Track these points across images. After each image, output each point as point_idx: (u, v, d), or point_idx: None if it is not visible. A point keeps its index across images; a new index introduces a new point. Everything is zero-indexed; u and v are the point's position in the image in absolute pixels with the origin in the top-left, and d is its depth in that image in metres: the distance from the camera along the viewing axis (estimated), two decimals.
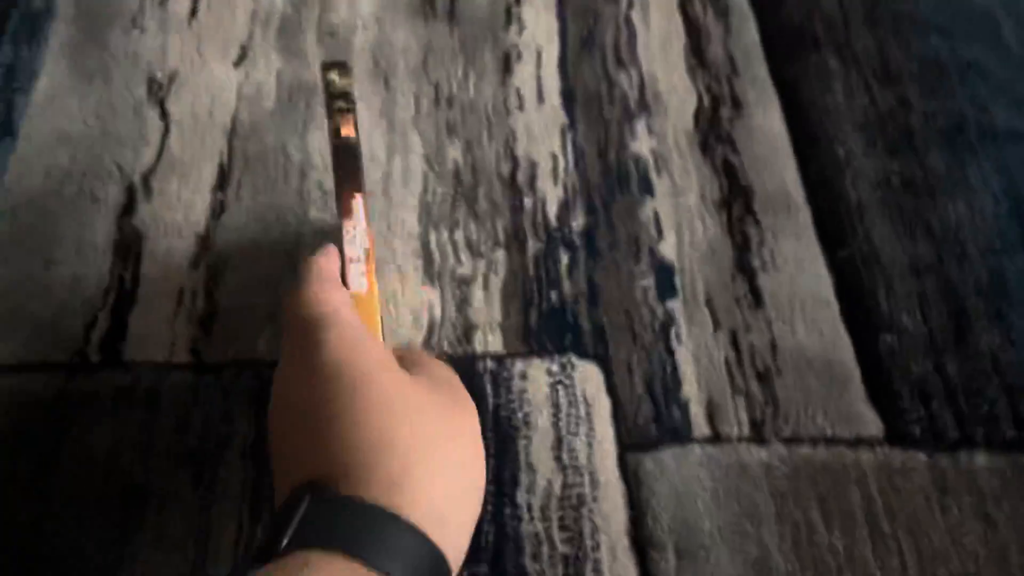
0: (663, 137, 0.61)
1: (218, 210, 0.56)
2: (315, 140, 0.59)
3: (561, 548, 0.45)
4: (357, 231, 0.44)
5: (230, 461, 0.47)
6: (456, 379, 0.40)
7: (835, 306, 0.55)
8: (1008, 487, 0.49)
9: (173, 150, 0.58)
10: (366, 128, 0.59)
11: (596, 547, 0.45)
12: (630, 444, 0.49)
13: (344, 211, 0.45)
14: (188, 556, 0.44)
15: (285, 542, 0.28)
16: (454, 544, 0.32)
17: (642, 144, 0.61)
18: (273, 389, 0.37)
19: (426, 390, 0.36)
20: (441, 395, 0.37)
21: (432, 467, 0.32)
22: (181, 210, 0.56)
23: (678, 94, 0.64)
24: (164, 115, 0.59)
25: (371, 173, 0.58)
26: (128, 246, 0.54)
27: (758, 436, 0.50)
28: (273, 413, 0.36)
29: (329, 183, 0.56)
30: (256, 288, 0.53)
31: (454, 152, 0.60)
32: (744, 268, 0.56)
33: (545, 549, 0.45)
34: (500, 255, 0.55)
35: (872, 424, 0.51)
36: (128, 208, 0.55)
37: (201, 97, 0.60)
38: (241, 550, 0.44)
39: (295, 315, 0.37)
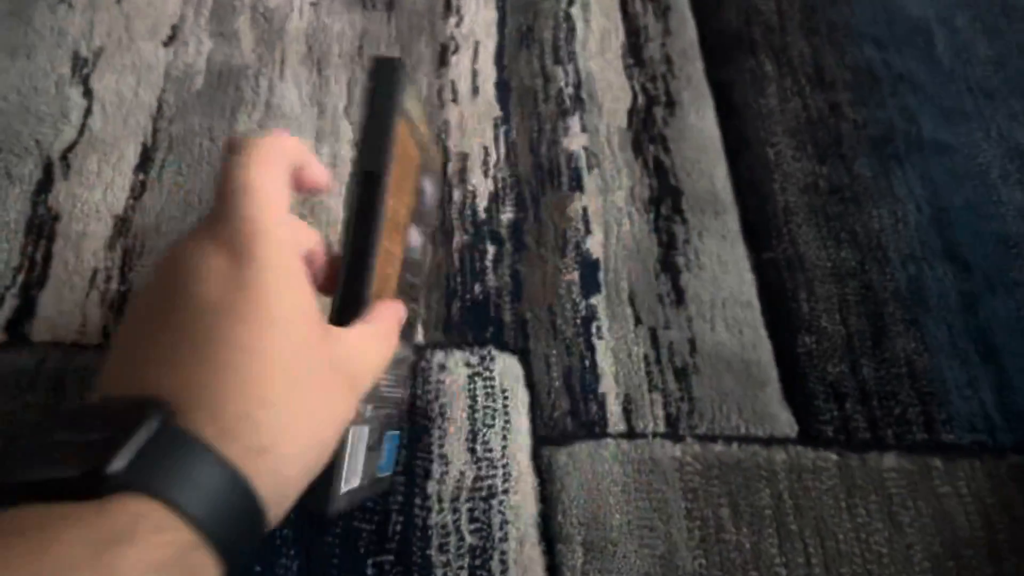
0: (596, 134, 0.62)
1: (138, 191, 0.55)
2: (241, 124, 0.58)
3: (469, 539, 0.45)
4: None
5: None
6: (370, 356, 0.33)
7: (757, 307, 0.55)
8: (915, 489, 0.49)
9: (95, 129, 0.57)
10: (305, 117, 0.59)
11: (504, 538, 0.45)
12: (545, 437, 0.49)
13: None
14: None
15: (117, 468, 0.22)
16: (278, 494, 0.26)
17: (574, 140, 0.61)
18: (164, 261, 0.30)
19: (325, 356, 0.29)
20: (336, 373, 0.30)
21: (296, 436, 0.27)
22: (100, 190, 0.54)
23: (613, 92, 0.64)
24: (87, 93, 0.58)
25: None
26: (42, 225, 0.52)
27: (673, 432, 0.50)
28: (149, 290, 0.29)
29: None
30: None
31: None
32: (668, 266, 0.56)
33: (452, 540, 0.45)
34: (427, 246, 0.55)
35: (786, 424, 0.51)
36: (44, 186, 0.54)
37: (127, 76, 0.59)
38: None
39: (232, 196, 0.29)
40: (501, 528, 0.45)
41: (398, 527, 0.45)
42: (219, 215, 0.30)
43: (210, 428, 0.24)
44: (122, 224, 0.53)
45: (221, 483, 0.24)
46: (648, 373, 0.52)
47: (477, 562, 0.44)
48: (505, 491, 0.47)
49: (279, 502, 0.26)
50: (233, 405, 0.25)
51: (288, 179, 0.32)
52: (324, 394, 0.28)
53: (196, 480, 0.23)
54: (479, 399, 0.50)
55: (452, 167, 0.59)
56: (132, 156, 0.56)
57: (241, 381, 0.26)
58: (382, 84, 0.37)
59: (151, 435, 0.23)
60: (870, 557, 0.47)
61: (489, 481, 0.47)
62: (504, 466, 0.47)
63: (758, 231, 0.59)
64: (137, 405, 0.24)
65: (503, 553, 0.45)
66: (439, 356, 0.51)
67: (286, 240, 0.29)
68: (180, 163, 0.56)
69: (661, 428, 0.50)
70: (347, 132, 0.59)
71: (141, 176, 0.55)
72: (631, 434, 0.50)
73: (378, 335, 0.33)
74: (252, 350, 0.26)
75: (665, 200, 0.59)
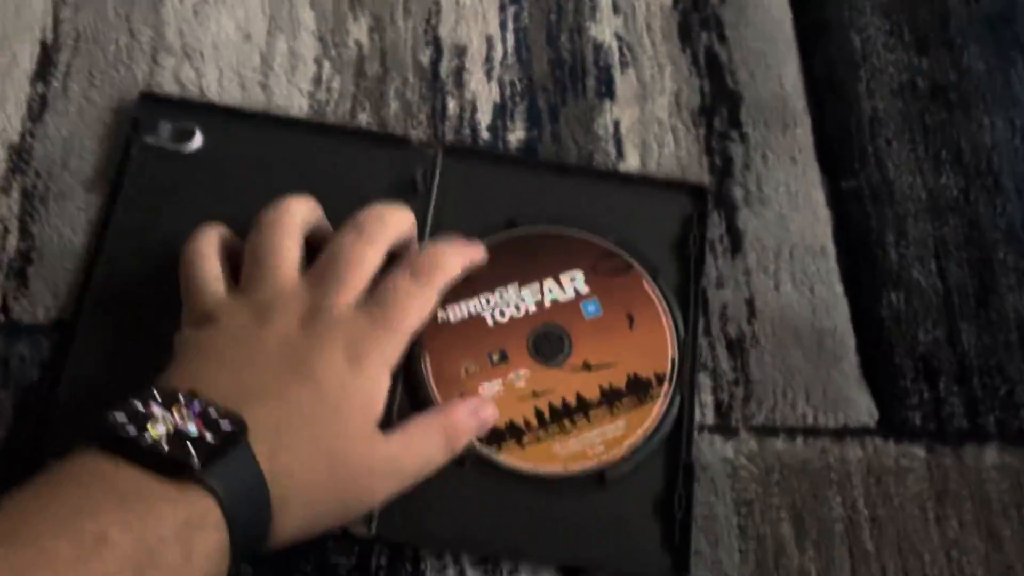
0: (632, 17, 0.48)
1: (38, 109, 0.42)
2: (171, 13, 0.45)
3: (471, 574, 0.36)
4: None
5: None
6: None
7: (832, 255, 0.44)
8: (1020, 493, 0.40)
9: None
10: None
11: (515, 570, 0.37)
12: None
13: None
14: None
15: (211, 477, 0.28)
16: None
17: (604, 27, 0.47)
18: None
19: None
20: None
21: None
22: None
23: None
24: None
25: (246, 57, 0.44)
26: None
27: (724, 425, 0.40)
28: None
29: (190, 76, 0.42)
30: (90, 224, 0.40)
31: (358, 31, 0.46)
32: (723, 201, 0.44)
33: (451, 573, 0.36)
34: None
35: (864, 410, 0.41)
36: None
37: None
38: None
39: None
40: (510, 558, 0.37)
41: (383, 560, 0.36)
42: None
43: (264, 458, 0.30)
44: (18, 156, 0.41)
45: (257, 491, 0.30)
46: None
47: None
48: None
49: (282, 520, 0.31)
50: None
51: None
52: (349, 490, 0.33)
53: (244, 494, 0.29)
54: None
55: (445, 66, 0.46)
56: (27, 60, 0.43)
57: (297, 430, 0.31)
58: None
59: (237, 458, 0.29)
60: None
61: None
62: None
63: (837, 150, 0.46)
64: (238, 427, 0.29)
65: None
66: None
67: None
68: (91, 68, 0.43)
69: (710, 420, 0.40)
70: (309, 20, 0.45)
71: (40, 87, 0.43)
72: None
73: (423, 447, 0.35)
74: (315, 419, 0.32)
75: (719, 110, 0.46)
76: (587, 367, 0.39)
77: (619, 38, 0.47)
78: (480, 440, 0.37)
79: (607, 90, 0.46)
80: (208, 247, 0.36)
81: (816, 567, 0.38)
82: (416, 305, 0.35)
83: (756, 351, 0.42)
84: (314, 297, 0.34)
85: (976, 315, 0.43)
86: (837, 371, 0.42)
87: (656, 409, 0.38)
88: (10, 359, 0.38)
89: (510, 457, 0.37)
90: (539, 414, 0.38)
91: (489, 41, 0.46)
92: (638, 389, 0.39)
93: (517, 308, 0.40)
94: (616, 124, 0.45)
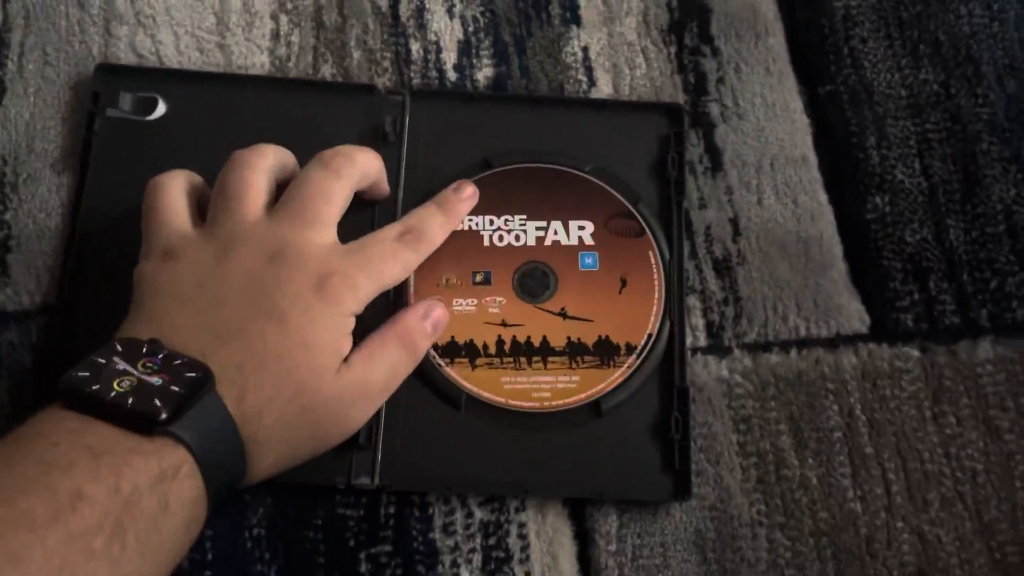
0: None
1: None
2: None
3: (479, 514, 0.37)
4: None
5: None
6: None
7: (814, 162, 0.43)
8: (1017, 383, 0.40)
9: None
10: None
11: (521, 508, 0.37)
12: None
13: None
14: None
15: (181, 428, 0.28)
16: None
17: None
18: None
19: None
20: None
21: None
22: None
23: None
24: None
25: (199, 16, 0.43)
26: None
27: (717, 345, 0.40)
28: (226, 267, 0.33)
29: (147, 44, 0.42)
30: (64, 205, 0.40)
31: None
32: (699, 119, 0.44)
33: (459, 517, 0.37)
34: None
35: (855, 316, 0.41)
36: None
37: None
38: None
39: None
40: (517, 496, 0.37)
41: (391, 509, 0.37)
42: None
43: (232, 401, 0.30)
44: None
45: (228, 437, 0.30)
46: None
47: (491, 541, 0.37)
48: None
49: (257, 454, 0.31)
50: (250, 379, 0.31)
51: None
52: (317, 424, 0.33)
53: (216, 441, 0.29)
54: None
55: (404, 8, 0.44)
56: None
57: (263, 368, 0.31)
58: None
59: (205, 406, 0.29)
60: (962, 476, 0.39)
61: None
62: None
63: (811, 56, 0.45)
64: (203, 375, 0.29)
65: (522, 526, 0.37)
66: None
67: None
68: (44, 45, 0.42)
69: (702, 342, 0.40)
70: None
71: None
72: None
73: (385, 362, 0.35)
74: (281, 356, 0.31)
75: (689, 25, 0.45)
76: (563, 315, 0.39)
77: None
78: (435, 350, 0.38)
79: (572, 16, 0.45)
80: (173, 181, 0.35)
81: (817, 475, 0.39)
82: (400, 265, 0.35)
83: (743, 269, 0.41)
84: (282, 231, 0.33)
85: (962, 210, 0.43)
86: (826, 280, 0.42)
87: (615, 376, 0.38)
88: (0, 347, 0.38)
89: (458, 375, 0.38)
90: (500, 343, 0.38)
91: None
92: (604, 352, 0.38)
93: (517, 238, 0.40)
94: (585, 50, 0.44)
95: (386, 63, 0.43)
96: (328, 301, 0.32)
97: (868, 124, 0.44)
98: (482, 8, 0.45)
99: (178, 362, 0.29)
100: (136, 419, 0.28)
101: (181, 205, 0.35)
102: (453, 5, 0.45)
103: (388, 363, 0.35)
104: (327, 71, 0.43)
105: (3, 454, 0.27)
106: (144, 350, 0.30)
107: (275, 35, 0.43)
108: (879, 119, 0.44)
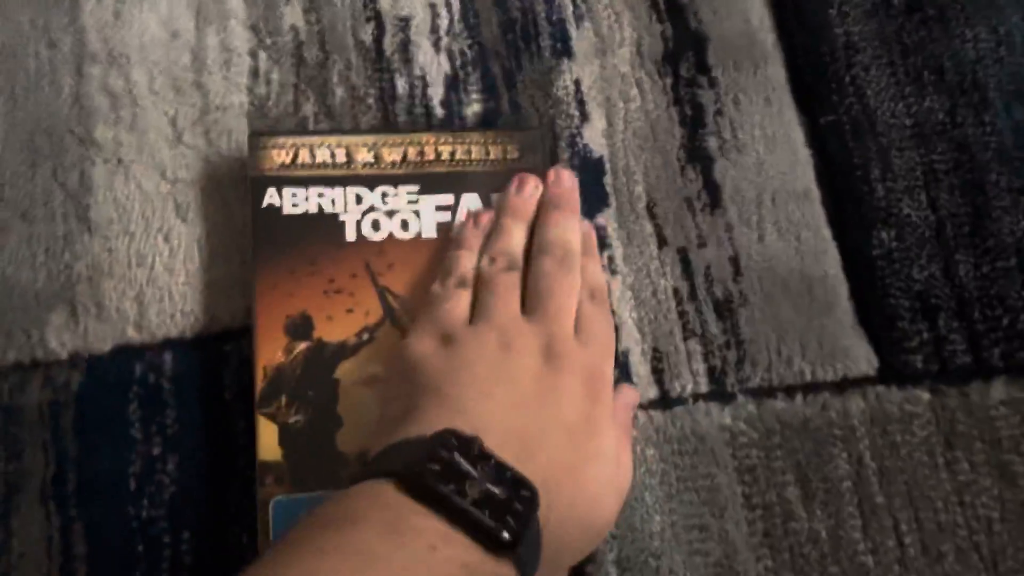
0: None
1: None
2: (91, 17, 0.42)
3: None
4: None
5: (24, 508, 0.35)
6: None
7: (816, 196, 0.42)
8: None
9: None
10: None
11: None
12: None
13: None
14: None
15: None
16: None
17: None
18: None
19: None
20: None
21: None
22: None
23: None
24: None
25: (177, 56, 0.41)
26: None
27: (719, 391, 0.39)
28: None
29: (120, 84, 0.40)
30: (34, 254, 0.38)
31: (292, 15, 0.43)
32: (696, 154, 0.42)
33: None
34: None
35: (863, 358, 0.40)
36: None
37: None
38: None
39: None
40: None
41: None
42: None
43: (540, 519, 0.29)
44: None
45: (537, 555, 0.28)
46: (681, 314, 0.39)
47: None
48: None
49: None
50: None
51: None
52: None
53: (532, 561, 0.28)
54: None
55: (389, 42, 0.43)
56: None
57: (560, 486, 0.30)
58: None
59: (532, 527, 0.28)
60: (977, 526, 0.37)
61: None
62: None
63: (812, 84, 0.43)
64: (532, 495, 0.28)
65: None
66: None
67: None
68: (13, 86, 0.41)
69: (703, 387, 0.39)
70: (239, 9, 0.42)
71: None
72: (665, 401, 0.38)
73: (629, 456, 0.34)
74: (573, 470, 0.31)
75: (685, 55, 0.43)
76: None
77: None
78: None
79: (563, 47, 0.43)
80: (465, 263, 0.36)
81: (826, 528, 0.37)
82: (612, 334, 0.36)
83: (745, 310, 0.40)
84: (546, 328, 0.34)
85: (972, 244, 0.41)
86: (831, 320, 0.40)
87: None
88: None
89: None
90: None
91: (433, 8, 0.43)
92: None
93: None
94: (577, 84, 0.43)
95: (370, 100, 0.42)
96: (598, 403, 0.32)
97: (872, 155, 0.42)
98: (469, 41, 0.43)
99: (509, 474, 0.28)
100: (492, 538, 0.26)
101: (465, 297, 0.35)
102: (440, 38, 0.43)
103: (629, 453, 0.34)
104: (309, 109, 0.41)
105: (370, 538, 0.25)
106: (476, 451, 0.28)
107: (254, 73, 0.42)
108: (883, 150, 0.42)
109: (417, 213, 0.38)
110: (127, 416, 0.37)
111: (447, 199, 0.39)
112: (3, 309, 0.38)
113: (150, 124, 0.40)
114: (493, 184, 0.39)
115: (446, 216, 0.38)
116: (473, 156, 0.39)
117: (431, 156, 0.39)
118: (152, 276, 0.38)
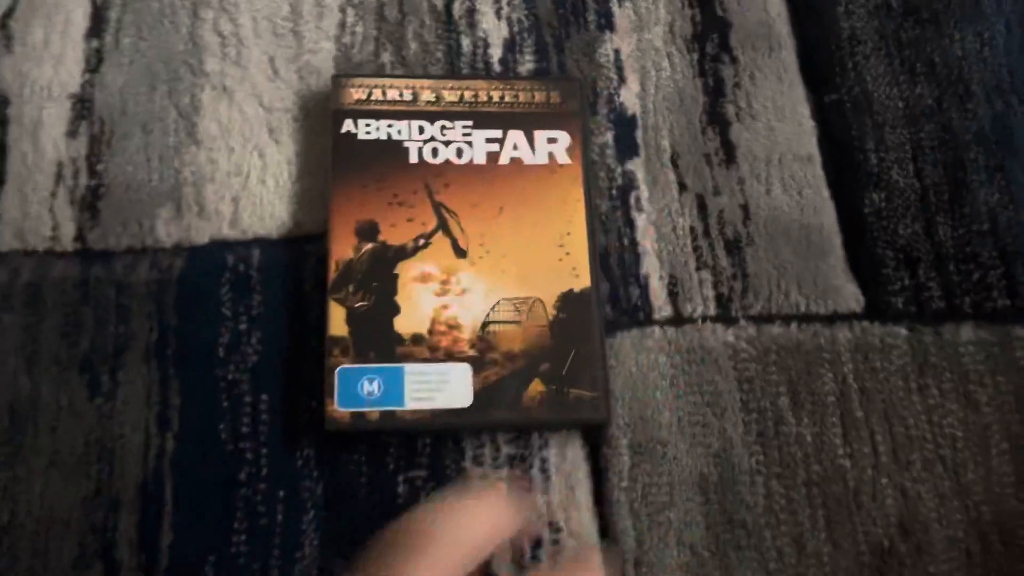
0: None
1: (94, 62, 0.47)
2: None
3: (506, 449, 0.41)
4: None
5: (130, 365, 0.41)
6: None
7: (818, 161, 0.48)
8: (994, 363, 0.44)
9: None
10: None
11: (544, 445, 0.41)
12: None
13: None
14: (91, 475, 0.40)
15: None
16: None
17: None
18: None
19: None
20: None
21: None
22: (50, 63, 0.47)
23: None
24: None
25: (277, 8, 0.49)
26: None
27: (725, 315, 0.45)
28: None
29: (228, 27, 0.47)
30: (149, 159, 0.45)
31: None
32: (716, 118, 0.49)
33: (488, 451, 0.41)
34: None
35: (851, 297, 0.46)
36: None
37: None
38: (151, 463, 0.40)
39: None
40: (540, 434, 0.42)
41: (428, 440, 0.41)
42: None
43: None
44: (81, 105, 0.46)
45: None
46: (696, 248, 0.46)
47: (516, 472, 0.41)
48: None
49: None
50: None
51: None
52: None
53: None
54: None
55: (457, 8, 0.50)
56: (81, 19, 0.48)
57: None
58: None
59: None
60: (943, 442, 0.43)
61: None
62: None
63: (819, 68, 0.50)
64: None
65: (543, 461, 0.41)
66: None
67: None
68: (140, 23, 0.48)
69: (712, 311, 0.45)
70: None
71: (95, 43, 0.47)
72: (678, 319, 0.44)
73: None
74: None
75: (710, 36, 0.50)
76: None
77: None
78: None
79: (607, 22, 0.50)
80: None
81: (811, 433, 0.43)
82: None
83: (751, 249, 0.46)
84: None
85: (950, 209, 0.48)
86: (825, 264, 0.46)
87: None
88: (89, 280, 0.43)
89: None
90: None
91: None
92: None
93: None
94: (616, 53, 0.50)
95: (439, 54, 0.49)
96: None
97: (868, 130, 0.49)
98: (526, 12, 0.50)
99: None
100: None
101: None
102: (501, 8, 0.50)
103: None
104: (386, 59, 0.48)
105: None
106: None
107: (341, 25, 0.49)
108: (878, 126, 0.49)
109: (470, 143, 0.45)
110: (219, 297, 0.43)
111: (496, 133, 0.45)
112: (120, 202, 0.44)
113: (252, 61, 0.47)
114: (536, 123, 0.45)
115: (495, 147, 0.45)
116: (520, 99, 0.46)
117: (484, 98, 0.46)
118: (247, 185, 0.45)
